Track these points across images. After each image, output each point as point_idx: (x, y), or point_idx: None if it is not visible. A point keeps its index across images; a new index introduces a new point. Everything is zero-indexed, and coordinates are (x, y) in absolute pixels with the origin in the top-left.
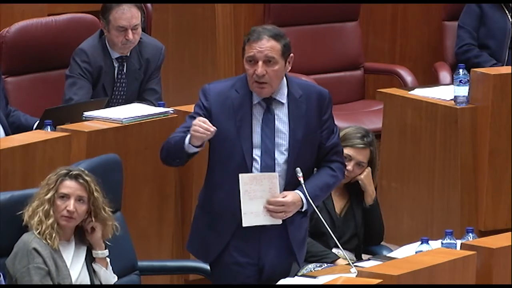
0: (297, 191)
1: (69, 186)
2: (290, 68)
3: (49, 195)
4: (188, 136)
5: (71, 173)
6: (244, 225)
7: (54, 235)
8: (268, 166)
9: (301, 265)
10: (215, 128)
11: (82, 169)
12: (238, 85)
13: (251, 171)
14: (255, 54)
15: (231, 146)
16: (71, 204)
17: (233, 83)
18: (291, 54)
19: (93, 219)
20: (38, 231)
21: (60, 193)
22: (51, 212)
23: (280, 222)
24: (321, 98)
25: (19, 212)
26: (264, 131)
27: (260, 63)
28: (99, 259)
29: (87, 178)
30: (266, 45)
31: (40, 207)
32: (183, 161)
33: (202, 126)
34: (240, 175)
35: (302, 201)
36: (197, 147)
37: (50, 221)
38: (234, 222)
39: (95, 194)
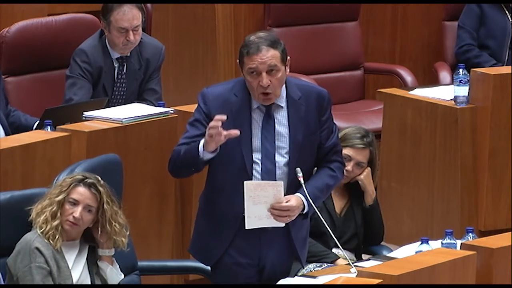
0: (298, 194)
1: (80, 193)
2: (288, 70)
3: (59, 197)
4: (202, 143)
5: (86, 180)
6: (247, 227)
7: (57, 236)
8: (268, 169)
9: (304, 264)
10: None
11: (99, 178)
12: (236, 89)
13: (251, 175)
14: (258, 66)
15: (231, 150)
16: (78, 211)
17: (232, 86)
18: (288, 57)
19: (99, 229)
20: (42, 230)
21: (71, 198)
22: (58, 214)
23: (283, 225)
24: (320, 99)
25: (28, 208)
26: (264, 135)
27: (264, 74)
28: (105, 257)
29: (100, 188)
30: (267, 55)
31: (48, 207)
32: (200, 169)
33: (216, 123)
34: (245, 183)
35: (304, 204)
36: (212, 152)
37: (56, 223)
38: (235, 225)
39: (105, 206)
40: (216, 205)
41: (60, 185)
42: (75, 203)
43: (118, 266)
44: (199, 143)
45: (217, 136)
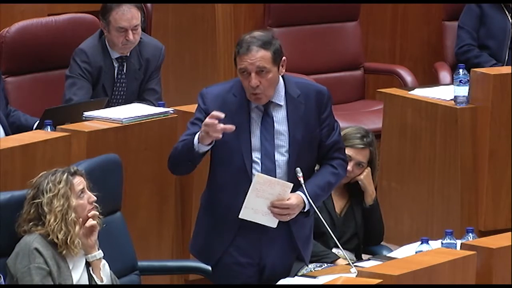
0: (299, 192)
1: (80, 182)
2: (284, 70)
3: (71, 201)
4: (197, 136)
5: (70, 171)
6: (240, 216)
7: (81, 241)
8: (268, 169)
9: (307, 263)
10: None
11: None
12: (235, 89)
13: (251, 174)
14: (247, 66)
15: (231, 149)
16: (92, 196)
17: (231, 86)
18: (284, 58)
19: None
20: (66, 242)
21: (78, 191)
22: (75, 218)
23: (275, 226)
24: (319, 96)
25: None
26: (263, 134)
27: (253, 74)
28: (92, 263)
29: (81, 169)
30: (256, 56)
31: (63, 218)
32: (196, 162)
33: (212, 121)
34: (257, 174)
35: (304, 202)
36: (208, 145)
37: (77, 228)
38: (236, 224)
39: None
40: (216, 204)
41: (57, 195)
42: (83, 192)
43: (108, 270)
44: (194, 136)
45: (213, 132)
